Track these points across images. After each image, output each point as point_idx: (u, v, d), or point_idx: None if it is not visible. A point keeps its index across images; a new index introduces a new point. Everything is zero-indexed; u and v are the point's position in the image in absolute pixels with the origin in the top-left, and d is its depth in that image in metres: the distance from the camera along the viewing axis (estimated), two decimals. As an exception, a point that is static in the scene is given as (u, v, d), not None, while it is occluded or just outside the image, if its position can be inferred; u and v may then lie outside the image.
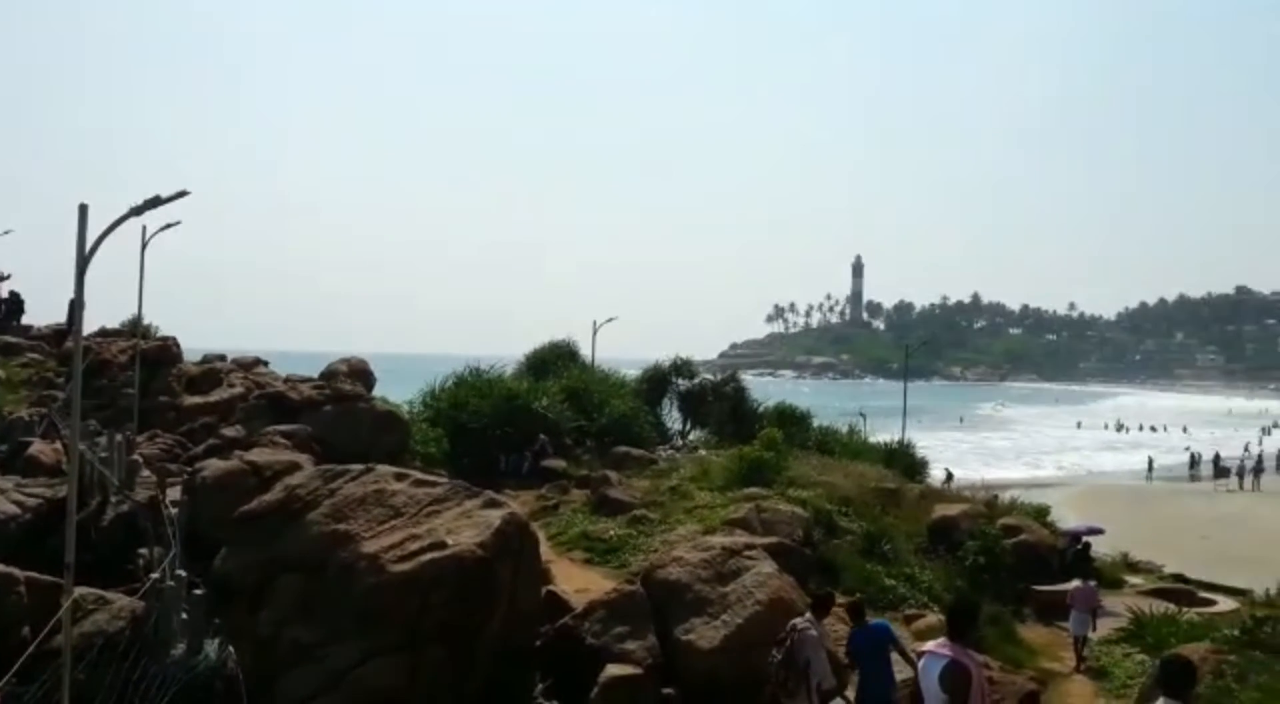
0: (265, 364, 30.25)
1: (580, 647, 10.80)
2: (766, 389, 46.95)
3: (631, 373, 39.01)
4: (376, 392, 26.98)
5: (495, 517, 10.47)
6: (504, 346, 53.12)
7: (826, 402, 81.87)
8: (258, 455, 16.77)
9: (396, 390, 29.20)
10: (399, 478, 11.51)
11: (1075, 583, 18.27)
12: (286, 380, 26.28)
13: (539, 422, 28.54)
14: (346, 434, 21.57)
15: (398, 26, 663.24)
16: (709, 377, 40.86)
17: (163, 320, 30.17)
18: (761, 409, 36.62)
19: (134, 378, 22.04)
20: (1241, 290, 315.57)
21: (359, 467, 11.87)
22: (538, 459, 26.90)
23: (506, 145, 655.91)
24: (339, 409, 22.92)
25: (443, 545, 10.02)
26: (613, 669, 10.08)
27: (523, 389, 30.02)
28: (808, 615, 9.92)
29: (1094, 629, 17.49)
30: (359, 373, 27.47)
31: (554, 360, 36.97)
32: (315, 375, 27.07)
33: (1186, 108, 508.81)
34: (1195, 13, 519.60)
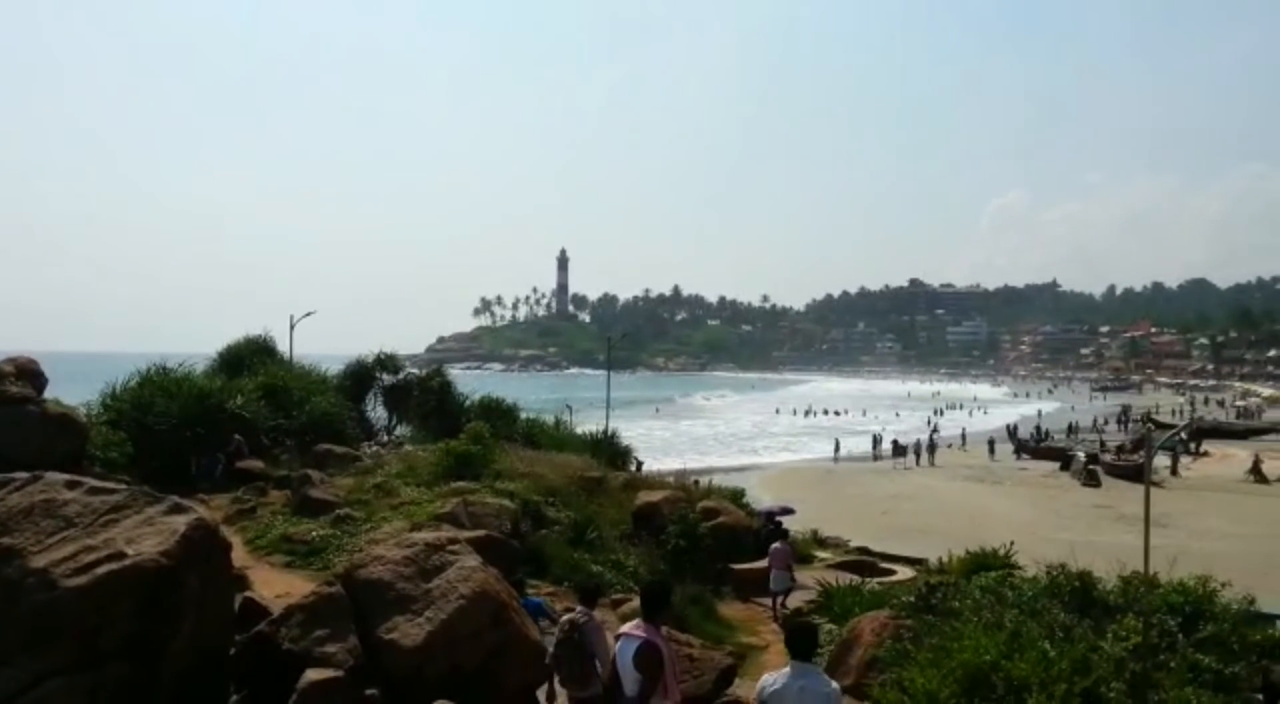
0: (-85, 366, 27.28)
1: (277, 653, 10.32)
2: (474, 382, 46.80)
3: (334, 368, 37.93)
4: (49, 393, 24.83)
5: (180, 523, 9.80)
6: (195, 344, 50.50)
7: (534, 394, 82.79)
8: (-95, 467, 15.13)
9: (73, 392, 26.99)
10: (71, 486, 10.58)
11: (775, 545, 19.44)
12: (-59, 384, 23.79)
13: (234, 421, 27.22)
14: (13, 441, 19.68)
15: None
16: (415, 371, 40.47)
17: None
18: (468, 403, 36.59)
19: None
20: (915, 283, 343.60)
21: (25, 475, 10.82)
22: (233, 461, 25.64)
23: (205, 137, 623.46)
24: (3, 413, 20.92)
25: (122, 556, 9.30)
26: (311, 674, 9.68)
27: (215, 387, 28.45)
28: (580, 608, 9.90)
29: (793, 582, 19.01)
30: (27, 373, 25.06)
31: (250, 357, 35.18)
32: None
33: (865, 115, 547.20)
34: (871, 22, 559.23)
